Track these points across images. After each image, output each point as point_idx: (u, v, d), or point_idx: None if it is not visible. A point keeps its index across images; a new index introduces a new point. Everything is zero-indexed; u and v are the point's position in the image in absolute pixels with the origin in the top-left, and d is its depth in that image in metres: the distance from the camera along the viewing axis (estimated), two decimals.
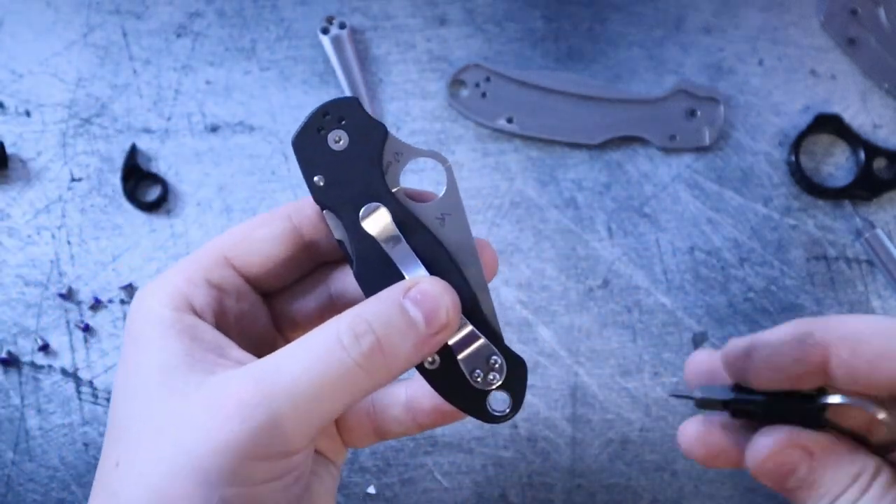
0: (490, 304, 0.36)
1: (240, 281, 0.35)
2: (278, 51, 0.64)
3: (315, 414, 0.30)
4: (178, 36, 0.64)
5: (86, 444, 0.57)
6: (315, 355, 0.30)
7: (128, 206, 0.61)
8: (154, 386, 0.31)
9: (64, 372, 0.58)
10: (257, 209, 0.61)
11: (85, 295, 0.59)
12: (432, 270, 0.35)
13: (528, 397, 0.59)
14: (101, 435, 0.57)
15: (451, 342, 0.34)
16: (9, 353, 0.58)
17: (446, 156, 0.63)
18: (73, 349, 0.58)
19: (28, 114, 0.62)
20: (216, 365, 0.31)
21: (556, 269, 0.62)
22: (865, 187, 0.63)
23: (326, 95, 0.63)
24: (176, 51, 0.64)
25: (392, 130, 0.63)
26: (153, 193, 0.61)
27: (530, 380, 0.59)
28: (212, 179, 0.62)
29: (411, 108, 0.64)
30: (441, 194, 0.36)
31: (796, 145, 0.64)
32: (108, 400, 0.58)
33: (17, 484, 0.56)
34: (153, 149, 0.62)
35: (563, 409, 0.59)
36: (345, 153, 0.35)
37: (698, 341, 0.61)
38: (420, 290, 0.32)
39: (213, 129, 0.63)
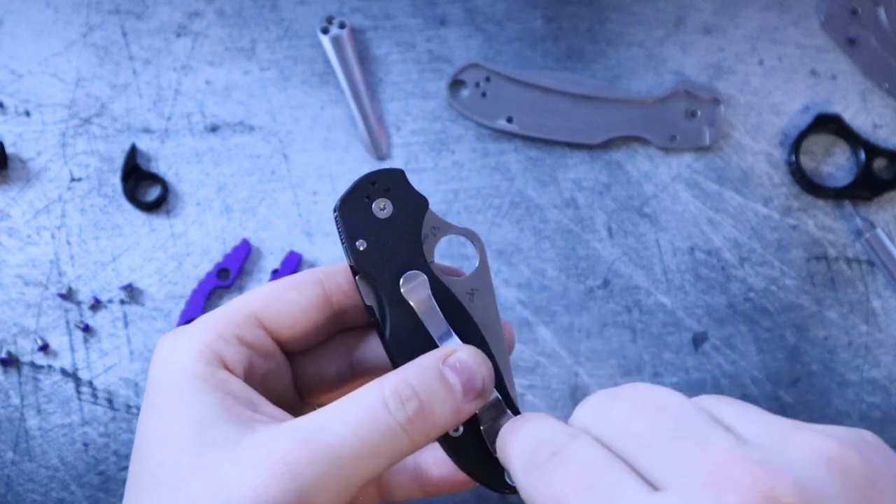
0: (511, 379, 0.37)
1: (269, 341, 0.36)
2: (278, 51, 0.64)
3: (357, 474, 0.31)
4: (178, 36, 0.64)
5: (85, 445, 0.57)
6: (361, 417, 0.31)
7: (128, 206, 0.61)
8: (188, 438, 0.31)
9: (64, 372, 0.58)
10: (257, 209, 0.61)
11: (85, 295, 0.59)
12: (463, 342, 0.36)
13: (529, 397, 0.59)
14: (101, 435, 0.57)
15: (477, 411, 0.35)
16: (9, 353, 0.58)
17: (446, 156, 0.63)
18: (72, 349, 0.58)
19: (28, 114, 0.62)
20: (252, 420, 0.32)
21: (556, 269, 0.62)
22: (865, 187, 0.63)
23: (326, 95, 0.63)
24: (176, 51, 0.64)
25: (392, 130, 0.63)
26: (153, 193, 0.61)
27: (530, 380, 0.59)
28: (212, 179, 0.62)
29: (411, 108, 0.64)
30: (472, 270, 0.37)
31: (796, 145, 0.63)
32: (108, 400, 0.58)
33: (17, 484, 0.56)
34: (153, 149, 0.62)
35: (563, 409, 0.59)
36: (388, 221, 0.36)
37: (698, 341, 0.61)
38: (458, 359, 0.33)
39: (213, 129, 0.63)
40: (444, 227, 0.37)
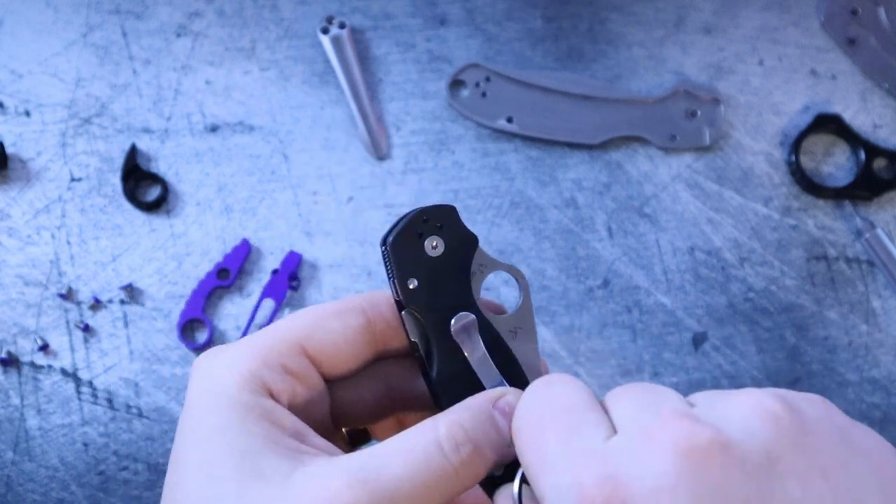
0: None
1: (313, 370, 0.35)
2: (278, 51, 0.64)
3: None
4: (178, 36, 0.64)
5: (85, 444, 0.57)
6: (417, 458, 0.31)
7: (128, 206, 0.61)
8: (232, 467, 0.30)
9: (64, 372, 0.58)
10: (257, 209, 0.61)
11: (85, 295, 0.59)
12: (508, 383, 0.36)
13: None
14: (101, 435, 0.57)
15: None
16: (9, 353, 0.58)
17: (446, 156, 0.63)
18: (72, 349, 0.58)
19: (28, 114, 0.62)
20: (300, 452, 0.31)
21: (556, 269, 0.62)
22: (865, 187, 0.63)
23: (326, 95, 0.63)
24: (176, 51, 0.64)
25: (392, 130, 0.63)
26: (153, 193, 0.61)
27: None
28: (211, 179, 0.62)
29: (411, 108, 0.64)
30: (516, 308, 0.37)
31: (796, 145, 0.63)
32: (108, 400, 0.58)
33: (17, 484, 0.56)
34: (153, 149, 0.62)
35: None
36: (439, 260, 0.35)
37: (698, 341, 0.61)
38: (507, 402, 0.33)
39: (213, 129, 0.63)
40: (490, 265, 0.36)
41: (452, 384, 0.35)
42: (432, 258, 0.35)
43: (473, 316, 0.35)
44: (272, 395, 0.33)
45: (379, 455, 0.31)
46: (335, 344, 0.35)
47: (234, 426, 0.31)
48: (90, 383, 0.58)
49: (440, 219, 0.35)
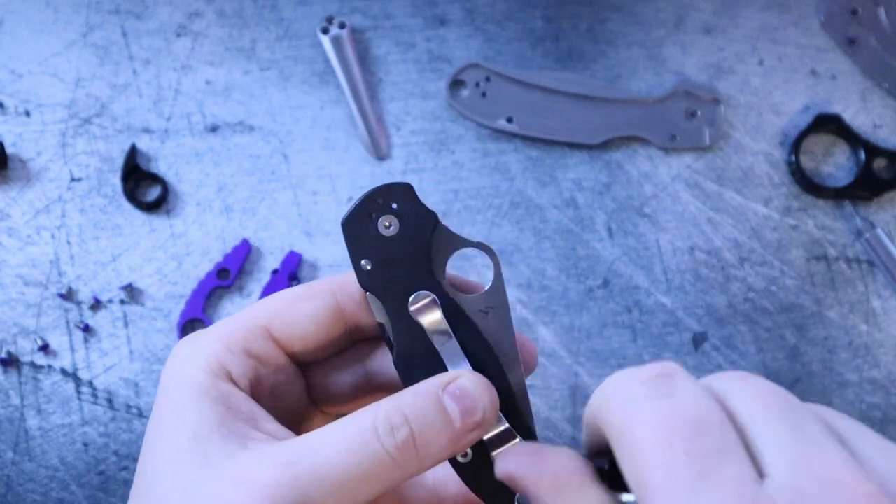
0: (527, 401, 0.36)
1: (278, 353, 0.35)
2: (278, 51, 0.64)
3: (341, 501, 0.30)
4: (178, 36, 0.64)
5: (85, 444, 0.57)
6: (349, 443, 0.30)
7: (128, 206, 0.61)
8: (184, 452, 0.31)
9: (64, 372, 0.58)
10: (257, 209, 0.61)
11: (85, 295, 0.59)
12: (474, 365, 0.35)
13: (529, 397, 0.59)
14: (101, 435, 0.57)
15: (485, 437, 0.34)
16: (9, 353, 0.58)
17: (446, 156, 0.63)
18: (72, 349, 0.58)
19: (28, 114, 0.62)
20: (248, 438, 0.31)
21: (556, 269, 0.62)
22: (865, 187, 0.63)
23: (326, 96, 0.63)
24: (176, 51, 0.64)
25: (392, 131, 0.63)
26: (153, 193, 0.61)
27: (530, 380, 0.59)
28: (211, 179, 0.62)
29: (411, 108, 0.64)
30: (487, 287, 0.36)
31: (796, 145, 0.63)
32: (108, 400, 0.58)
33: (17, 484, 0.56)
34: (153, 149, 0.62)
35: (563, 409, 0.59)
36: (394, 239, 0.34)
37: (698, 341, 0.61)
38: (459, 386, 0.32)
39: (213, 129, 0.63)
40: (456, 241, 0.35)
41: (412, 366, 0.34)
42: (386, 238, 0.34)
43: (433, 295, 0.34)
44: (232, 379, 0.33)
45: (314, 439, 0.31)
46: (303, 326, 0.35)
47: (190, 408, 0.32)
48: (90, 383, 0.58)
49: (395, 198, 0.34)
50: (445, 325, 0.34)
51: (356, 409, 0.37)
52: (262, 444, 0.31)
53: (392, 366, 0.36)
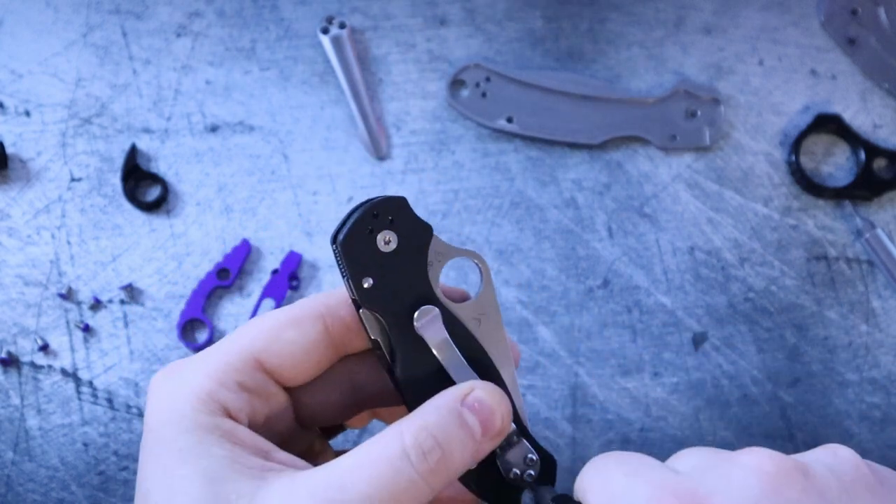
0: (520, 401, 0.36)
1: (271, 384, 0.34)
2: (278, 51, 0.64)
3: None
4: (178, 36, 0.64)
5: (85, 444, 0.57)
6: (382, 472, 0.30)
7: (128, 206, 0.61)
8: (198, 495, 0.29)
9: (64, 372, 0.58)
10: (257, 209, 0.61)
11: (85, 295, 0.59)
12: (477, 372, 0.35)
13: (529, 397, 0.59)
14: (101, 435, 0.57)
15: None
16: (9, 353, 0.58)
17: (447, 156, 0.63)
18: (72, 349, 0.58)
19: (28, 114, 0.62)
20: (265, 470, 0.30)
21: (556, 269, 0.62)
22: (865, 187, 0.63)
23: (326, 96, 0.63)
24: (176, 51, 0.64)
25: (392, 130, 0.63)
26: (153, 193, 0.61)
27: (530, 380, 0.59)
28: (212, 179, 0.62)
29: (411, 108, 0.64)
30: (477, 294, 0.36)
31: (796, 145, 0.64)
32: (108, 400, 0.58)
33: (17, 484, 0.56)
34: (153, 149, 0.62)
35: (563, 409, 0.59)
36: (393, 255, 0.33)
37: (698, 341, 0.61)
38: (476, 398, 0.32)
39: (213, 129, 0.63)
40: (448, 252, 0.35)
41: (419, 381, 0.34)
42: (386, 254, 0.33)
43: (437, 309, 0.34)
44: (230, 415, 0.32)
45: (344, 470, 0.30)
46: (293, 355, 0.34)
47: (196, 450, 0.30)
48: (90, 383, 0.58)
49: (391, 212, 0.33)
50: (447, 336, 0.34)
51: (340, 421, 0.37)
52: (284, 477, 0.30)
53: (378, 378, 0.35)
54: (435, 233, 0.35)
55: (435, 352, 0.34)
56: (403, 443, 0.30)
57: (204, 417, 0.31)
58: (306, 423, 0.37)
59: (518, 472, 0.36)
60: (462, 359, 0.34)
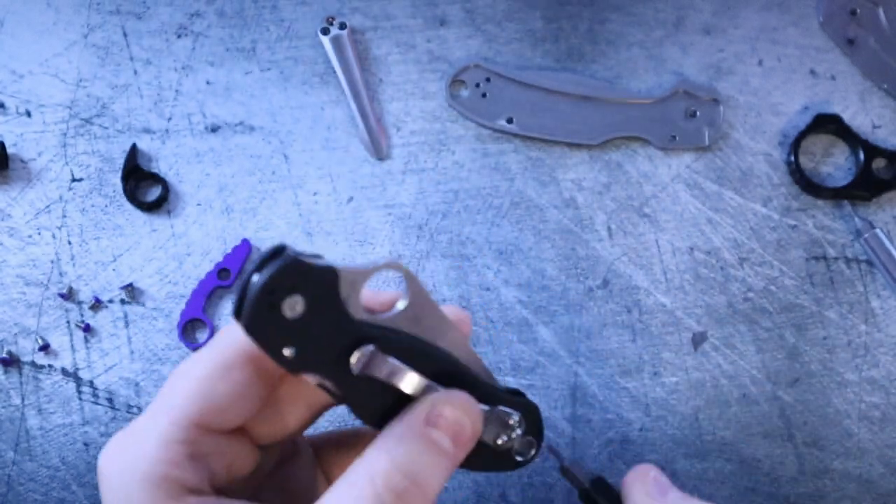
0: (479, 361, 0.36)
1: (219, 438, 0.33)
2: (278, 51, 0.64)
3: None
4: (179, 36, 0.64)
5: (86, 444, 0.57)
6: None
7: (128, 206, 0.61)
8: None
9: (64, 372, 0.58)
10: (257, 209, 0.61)
11: (85, 295, 0.59)
12: (433, 376, 0.34)
13: (529, 397, 0.59)
14: (102, 435, 0.57)
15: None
16: (9, 353, 0.58)
17: (446, 156, 0.63)
18: (73, 349, 0.59)
19: (28, 114, 0.62)
20: None
21: (556, 269, 0.62)
22: (865, 187, 0.63)
23: (326, 96, 0.63)
24: (176, 51, 0.64)
25: (392, 130, 0.63)
26: (153, 193, 0.61)
27: (530, 380, 0.60)
28: (212, 179, 0.62)
29: (411, 108, 0.64)
30: (408, 298, 0.34)
31: (796, 145, 0.64)
32: (109, 400, 0.58)
33: (18, 483, 0.56)
34: (154, 149, 0.62)
35: (563, 409, 0.59)
36: (306, 315, 0.31)
37: (698, 341, 0.61)
38: (439, 414, 0.31)
39: (214, 129, 0.63)
40: (360, 277, 0.32)
41: (375, 413, 0.33)
42: (297, 319, 0.30)
43: (371, 346, 0.32)
44: (190, 490, 0.31)
45: None
46: (232, 405, 0.33)
47: None
48: (91, 383, 0.58)
49: (286, 277, 0.30)
50: (392, 362, 0.32)
51: (303, 431, 0.36)
52: None
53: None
54: (343, 261, 0.33)
55: (385, 381, 0.33)
56: (376, 489, 0.29)
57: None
58: (270, 443, 0.36)
59: (505, 437, 0.36)
60: (416, 375, 0.33)
